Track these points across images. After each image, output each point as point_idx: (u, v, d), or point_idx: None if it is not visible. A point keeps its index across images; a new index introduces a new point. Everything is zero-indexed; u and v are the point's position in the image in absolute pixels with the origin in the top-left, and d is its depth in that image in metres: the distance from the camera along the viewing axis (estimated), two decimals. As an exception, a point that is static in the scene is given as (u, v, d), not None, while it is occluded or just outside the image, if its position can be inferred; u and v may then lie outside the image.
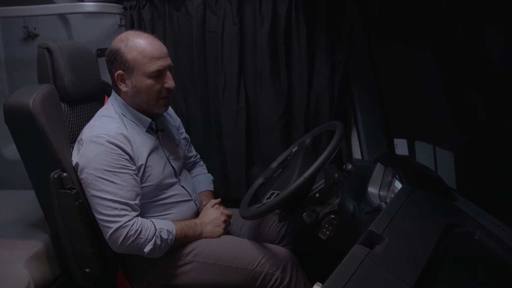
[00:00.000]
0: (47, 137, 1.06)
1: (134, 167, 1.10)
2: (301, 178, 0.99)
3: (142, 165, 1.13)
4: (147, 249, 1.07)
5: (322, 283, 0.66)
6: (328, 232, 0.99)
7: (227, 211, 1.31)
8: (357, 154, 1.59)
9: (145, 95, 1.13)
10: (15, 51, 1.91)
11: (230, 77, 1.56)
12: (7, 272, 1.16)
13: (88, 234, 1.14)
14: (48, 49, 1.15)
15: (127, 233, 1.04)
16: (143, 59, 1.09)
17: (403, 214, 0.85)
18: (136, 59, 1.09)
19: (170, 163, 1.25)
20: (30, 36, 1.87)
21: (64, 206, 1.10)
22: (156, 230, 1.09)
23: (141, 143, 1.15)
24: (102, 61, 1.77)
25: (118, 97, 1.18)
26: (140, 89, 1.12)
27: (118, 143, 1.06)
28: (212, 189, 1.49)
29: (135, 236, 1.05)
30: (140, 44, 1.10)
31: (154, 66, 1.10)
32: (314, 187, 1.03)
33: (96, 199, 1.05)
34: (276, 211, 1.25)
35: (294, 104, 1.56)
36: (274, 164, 1.40)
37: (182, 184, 1.28)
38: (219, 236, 1.23)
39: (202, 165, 1.57)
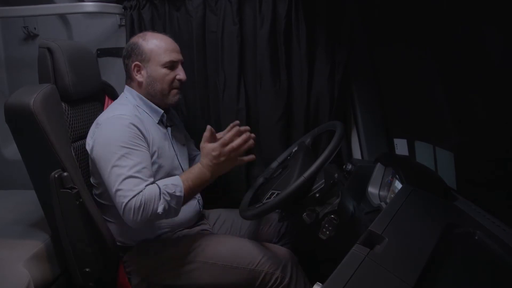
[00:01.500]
0: (48, 136, 1.06)
1: (148, 148, 1.14)
2: (301, 178, 0.99)
3: (155, 151, 1.17)
4: (160, 209, 1.05)
5: (322, 283, 0.66)
6: (328, 232, 0.99)
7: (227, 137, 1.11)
8: (357, 154, 1.59)
9: (159, 84, 1.22)
10: (15, 51, 1.91)
11: (230, 77, 1.55)
12: (7, 272, 1.16)
13: (88, 233, 1.14)
14: (49, 49, 1.15)
15: (134, 204, 1.03)
16: (158, 50, 1.20)
17: (403, 214, 0.85)
18: (153, 50, 1.20)
19: (177, 158, 1.29)
20: (30, 36, 1.87)
21: (65, 206, 1.11)
22: (160, 188, 1.07)
23: (154, 132, 1.20)
24: (102, 61, 1.77)
25: (132, 90, 1.25)
26: (155, 78, 1.21)
27: (134, 122, 1.12)
28: None
29: (143, 202, 1.03)
30: (156, 38, 1.23)
31: (168, 56, 1.21)
32: (314, 187, 1.03)
33: (111, 174, 1.06)
34: (276, 211, 1.25)
35: (294, 104, 1.56)
36: (274, 164, 1.40)
37: None
38: (236, 164, 1.14)
39: None
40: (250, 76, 1.58)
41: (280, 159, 1.40)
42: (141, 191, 1.05)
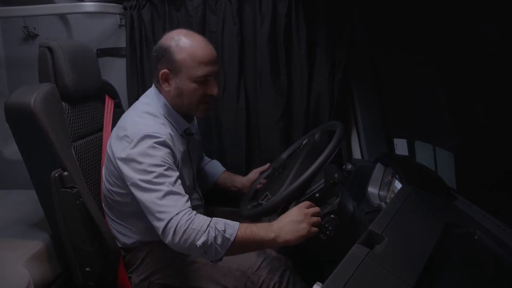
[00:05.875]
0: (48, 136, 1.06)
1: (176, 164, 1.09)
2: (301, 179, 1.00)
3: (178, 164, 1.11)
4: (199, 241, 0.94)
5: (322, 283, 0.66)
6: (328, 232, 0.99)
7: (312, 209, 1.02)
8: (357, 154, 1.59)
9: (186, 99, 1.11)
10: (15, 51, 1.91)
11: (230, 77, 1.56)
12: (7, 272, 1.16)
13: (89, 233, 1.14)
14: (50, 48, 1.15)
15: (179, 222, 0.95)
16: (191, 62, 1.06)
17: (403, 214, 0.85)
18: (185, 61, 1.06)
19: (193, 168, 1.27)
20: (30, 36, 1.87)
21: (65, 205, 1.11)
22: (210, 221, 0.97)
23: (177, 147, 1.13)
24: (102, 61, 1.77)
25: (161, 95, 1.14)
26: (183, 91, 1.10)
27: (168, 143, 1.05)
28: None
29: (187, 226, 0.94)
30: (191, 46, 1.07)
31: (201, 71, 1.07)
32: (314, 187, 1.03)
33: (149, 193, 0.99)
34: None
35: (294, 104, 1.56)
36: (285, 155, 1.38)
37: (196, 189, 1.31)
38: (308, 233, 0.99)
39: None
40: (250, 76, 1.58)
41: (290, 150, 1.39)
42: (184, 210, 0.97)
